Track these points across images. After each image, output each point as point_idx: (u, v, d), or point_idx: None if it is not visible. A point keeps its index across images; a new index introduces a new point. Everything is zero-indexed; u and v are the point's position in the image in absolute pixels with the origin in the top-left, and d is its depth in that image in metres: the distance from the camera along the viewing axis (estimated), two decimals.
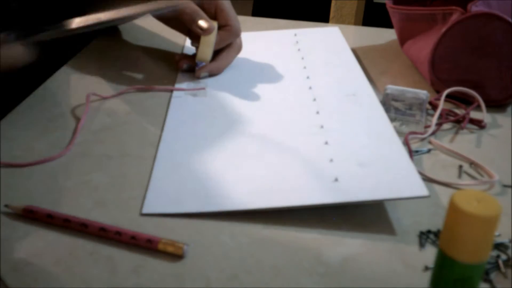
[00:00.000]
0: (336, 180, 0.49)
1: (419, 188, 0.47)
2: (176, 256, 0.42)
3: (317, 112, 0.62)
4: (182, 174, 0.52)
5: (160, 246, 0.42)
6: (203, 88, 0.68)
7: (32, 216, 0.45)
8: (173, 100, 0.65)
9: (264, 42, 0.84)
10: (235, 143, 0.57)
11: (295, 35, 0.85)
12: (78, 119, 0.61)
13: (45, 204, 0.46)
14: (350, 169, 0.51)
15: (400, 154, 0.52)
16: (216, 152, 0.55)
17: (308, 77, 0.70)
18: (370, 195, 0.47)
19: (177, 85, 0.69)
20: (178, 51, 0.80)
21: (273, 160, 0.53)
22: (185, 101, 0.65)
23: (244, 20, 0.94)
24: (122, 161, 0.54)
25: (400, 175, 0.49)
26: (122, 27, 0.89)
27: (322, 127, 0.58)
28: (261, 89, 0.68)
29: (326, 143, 0.55)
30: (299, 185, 0.49)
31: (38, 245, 0.43)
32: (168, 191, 0.49)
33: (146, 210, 0.47)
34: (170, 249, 0.42)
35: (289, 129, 0.59)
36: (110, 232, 0.43)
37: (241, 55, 0.78)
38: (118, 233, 0.43)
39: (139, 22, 0.90)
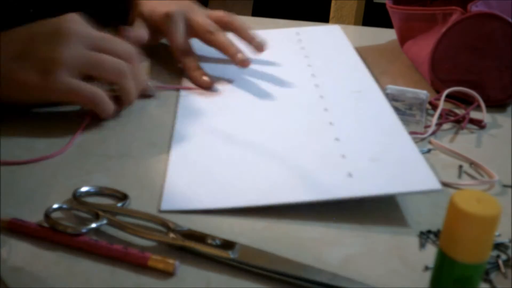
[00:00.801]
0: (350, 175, 0.50)
1: (432, 182, 0.47)
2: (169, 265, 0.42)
3: (325, 109, 0.62)
4: (197, 171, 0.52)
5: (150, 263, 0.41)
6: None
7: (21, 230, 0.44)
8: (181, 99, 0.66)
9: (266, 40, 0.84)
10: (245, 140, 0.57)
11: (297, 33, 0.85)
12: (80, 118, 0.61)
13: (44, 204, 0.46)
14: (363, 164, 0.51)
15: (411, 149, 0.53)
16: (228, 150, 0.55)
17: (313, 75, 0.71)
18: (384, 189, 0.48)
19: (184, 84, 0.69)
20: None
21: (286, 157, 0.54)
22: (192, 99, 0.66)
23: (244, 20, 0.94)
24: (122, 161, 0.54)
25: (412, 169, 0.50)
26: None
27: (331, 123, 0.59)
28: (268, 86, 0.68)
29: (337, 139, 0.56)
30: (314, 181, 0.50)
31: (38, 244, 0.43)
32: (184, 188, 0.50)
33: (164, 207, 0.47)
34: (160, 265, 0.41)
35: (298, 126, 0.59)
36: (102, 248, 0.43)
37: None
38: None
39: None
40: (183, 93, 0.67)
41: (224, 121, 0.61)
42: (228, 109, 0.64)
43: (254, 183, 0.50)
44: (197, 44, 0.73)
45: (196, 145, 0.56)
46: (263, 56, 0.78)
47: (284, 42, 0.83)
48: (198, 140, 0.57)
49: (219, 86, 0.68)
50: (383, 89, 0.66)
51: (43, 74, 0.55)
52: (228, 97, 0.66)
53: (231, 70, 0.73)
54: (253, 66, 0.75)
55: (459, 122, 0.64)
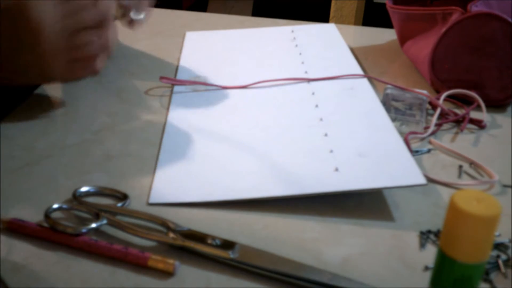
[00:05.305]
0: (336, 170, 0.50)
1: (417, 177, 0.48)
2: (169, 264, 0.42)
3: (316, 106, 0.63)
4: (186, 166, 0.53)
5: (150, 263, 0.41)
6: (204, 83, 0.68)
7: (21, 230, 0.44)
8: (174, 96, 0.66)
9: (262, 38, 0.84)
10: (237, 136, 0.58)
11: (292, 31, 0.86)
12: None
13: (44, 204, 0.46)
14: (350, 159, 0.52)
15: (398, 145, 0.54)
16: (218, 145, 0.56)
17: (306, 72, 0.71)
18: (369, 183, 0.48)
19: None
20: (176, 49, 0.80)
21: (274, 152, 0.54)
22: (186, 96, 0.66)
23: (244, 20, 0.95)
24: (122, 161, 0.54)
25: (398, 165, 0.50)
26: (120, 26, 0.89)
27: (321, 119, 0.60)
28: (261, 84, 0.69)
29: (326, 135, 0.57)
30: (301, 176, 0.50)
31: (38, 244, 0.43)
32: (173, 182, 0.50)
33: (152, 200, 0.48)
34: (160, 265, 0.41)
35: (289, 122, 0.60)
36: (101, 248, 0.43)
37: (240, 51, 0.78)
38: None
39: None
40: (176, 90, 0.68)
41: (215, 116, 0.62)
42: (219, 105, 0.64)
43: (241, 177, 0.51)
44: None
45: (185, 140, 0.57)
46: (257, 53, 0.78)
47: (279, 39, 0.83)
48: (187, 136, 0.58)
49: (211, 83, 0.69)
50: (383, 89, 0.66)
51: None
52: (219, 94, 0.67)
53: (223, 67, 0.73)
54: (247, 63, 0.75)
55: (459, 122, 0.64)
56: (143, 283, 0.40)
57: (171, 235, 0.43)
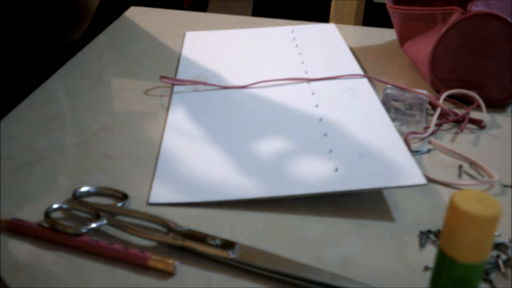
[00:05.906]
0: (336, 170, 0.51)
1: (417, 177, 0.48)
2: (169, 264, 0.42)
3: (316, 106, 0.63)
4: (186, 166, 0.53)
5: (150, 263, 0.41)
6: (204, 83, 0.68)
7: (21, 230, 0.44)
8: (174, 96, 0.66)
9: (262, 38, 0.84)
10: (236, 136, 0.58)
11: (292, 31, 0.86)
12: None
13: (44, 204, 0.46)
14: (350, 159, 0.52)
15: (398, 145, 0.54)
16: (218, 145, 0.56)
17: (306, 72, 0.71)
18: (369, 183, 0.48)
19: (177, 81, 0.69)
20: (176, 49, 0.80)
21: (274, 152, 0.55)
22: (186, 96, 0.66)
23: (244, 20, 0.95)
24: (122, 161, 0.54)
25: (398, 165, 0.50)
26: (119, 26, 0.89)
27: (321, 119, 0.60)
28: (261, 83, 0.69)
29: (326, 135, 0.57)
30: (301, 175, 0.50)
31: (38, 244, 0.43)
32: (173, 182, 0.51)
33: (152, 200, 0.48)
34: (160, 265, 0.41)
35: (289, 122, 0.60)
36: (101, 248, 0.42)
37: (240, 51, 0.78)
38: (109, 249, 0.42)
39: (137, 20, 0.90)
40: (176, 89, 0.68)
41: (215, 116, 0.62)
42: (219, 105, 0.64)
43: (241, 177, 0.51)
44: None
45: (185, 140, 0.57)
46: (257, 53, 0.78)
47: (279, 39, 0.83)
48: (187, 136, 0.58)
49: (211, 83, 0.69)
50: (383, 89, 0.66)
51: None
52: (219, 94, 0.67)
53: (223, 67, 0.73)
54: (247, 63, 0.75)
55: (459, 122, 0.64)
56: (143, 283, 0.40)
57: (171, 235, 0.43)
